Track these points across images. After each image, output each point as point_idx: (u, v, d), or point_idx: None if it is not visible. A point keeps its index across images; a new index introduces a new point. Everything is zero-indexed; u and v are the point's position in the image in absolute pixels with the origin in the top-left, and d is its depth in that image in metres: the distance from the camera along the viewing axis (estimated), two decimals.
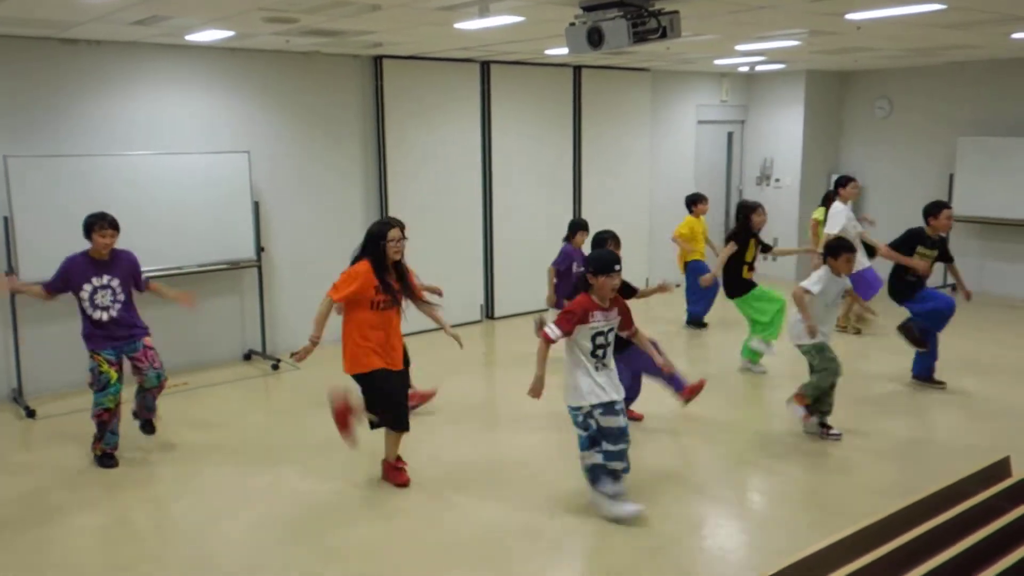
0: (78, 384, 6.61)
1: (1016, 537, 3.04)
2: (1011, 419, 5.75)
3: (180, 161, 6.86)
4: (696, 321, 8.44)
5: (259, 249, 7.37)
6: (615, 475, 4.25)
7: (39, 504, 4.60)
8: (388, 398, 4.60)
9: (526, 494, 4.60)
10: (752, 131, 11.32)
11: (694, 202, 8.32)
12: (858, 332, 8.15)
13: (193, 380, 6.88)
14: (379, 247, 4.52)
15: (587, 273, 4.17)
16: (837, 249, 5.30)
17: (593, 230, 9.54)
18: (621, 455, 4.21)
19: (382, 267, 4.54)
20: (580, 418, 4.21)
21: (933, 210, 6.36)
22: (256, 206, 7.29)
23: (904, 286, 6.34)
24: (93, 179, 6.41)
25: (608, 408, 4.15)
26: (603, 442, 4.19)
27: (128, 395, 5.18)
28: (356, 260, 4.59)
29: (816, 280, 5.26)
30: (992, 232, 9.81)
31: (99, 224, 4.98)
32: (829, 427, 5.41)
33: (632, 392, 5.68)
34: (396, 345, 4.62)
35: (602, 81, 9.58)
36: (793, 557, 2.84)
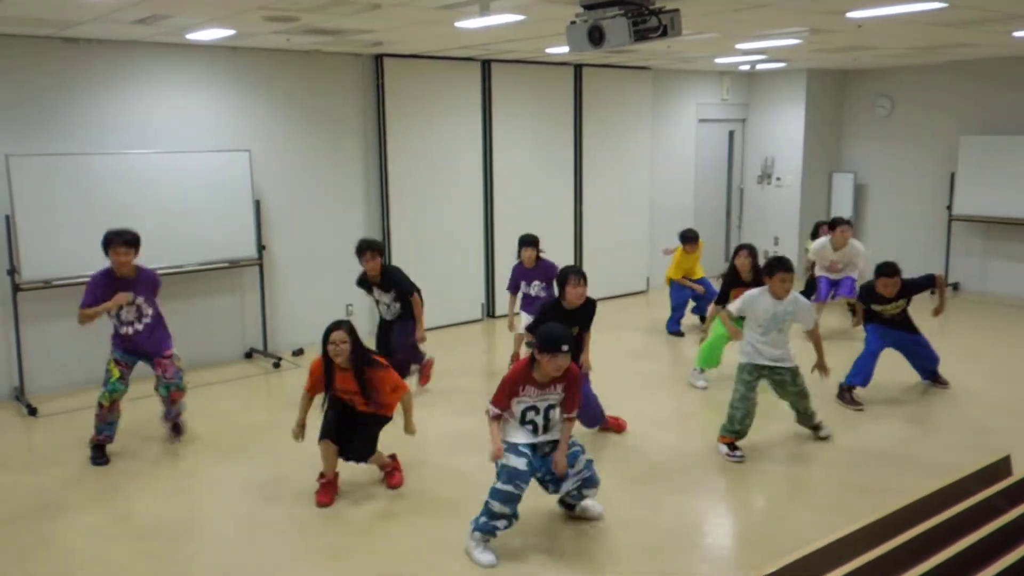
0: (80, 383, 6.63)
1: (1016, 536, 3.03)
2: (1012, 418, 5.74)
3: (181, 160, 6.87)
4: (676, 332, 8.29)
5: (260, 247, 7.37)
6: (492, 516, 3.87)
7: (40, 502, 4.60)
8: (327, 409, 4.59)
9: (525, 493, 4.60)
10: (753, 130, 11.31)
11: (686, 239, 8.04)
12: None
13: (194, 378, 6.86)
14: (324, 347, 4.39)
15: (535, 346, 3.83)
16: (772, 267, 4.96)
17: (594, 229, 9.72)
18: (505, 498, 3.86)
19: (328, 367, 4.42)
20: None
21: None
22: (257, 204, 7.29)
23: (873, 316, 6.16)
24: (94, 178, 6.42)
25: (512, 447, 3.94)
26: (497, 480, 3.90)
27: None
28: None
29: (740, 301, 5.09)
30: (994, 231, 9.80)
31: (114, 242, 4.95)
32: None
33: (595, 412, 5.39)
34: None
35: (603, 80, 9.58)
36: (792, 556, 2.84)
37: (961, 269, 10.07)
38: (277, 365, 7.27)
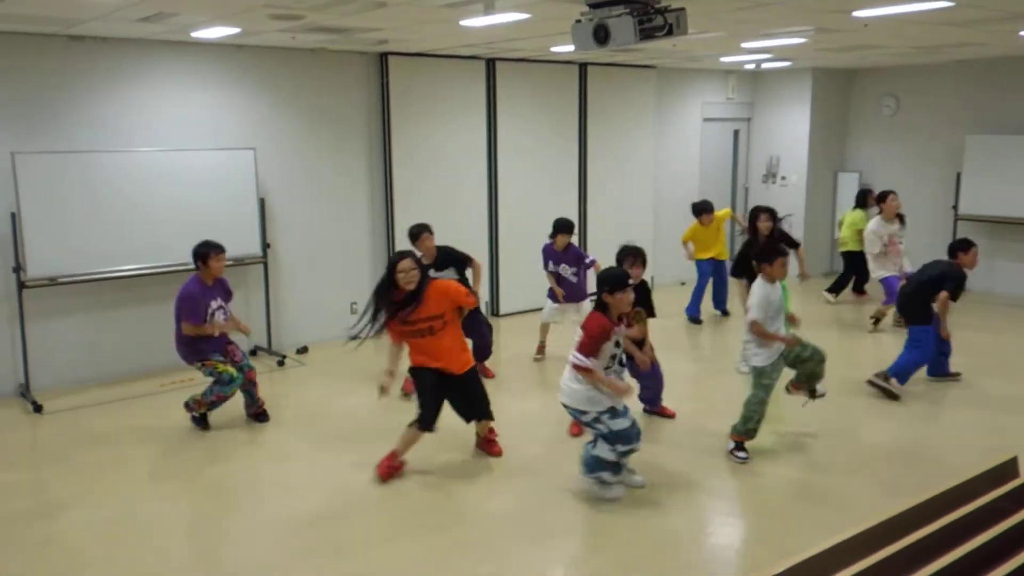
0: (85, 379, 6.64)
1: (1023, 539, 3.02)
2: (1019, 418, 5.72)
3: (186, 157, 6.87)
4: (693, 319, 8.51)
5: (265, 245, 7.37)
6: (616, 467, 4.40)
7: (45, 500, 4.61)
8: (422, 393, 4.80)
9: (531, 490, 4.60)
10: (758, 129, 11.28)
11: (699, 211, 8.30)
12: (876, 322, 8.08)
13: (199, 375, 6.87)
14: (391, 282, 4.60)
15: (603, 294, 4.19)
16: (772, 254, 4.90)
17: (598, 226, 9.71)
18: (630, 453, 4.41)
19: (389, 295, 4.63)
20: (588, 420, 4.33)
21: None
22: (262, 202, 7.30)
23: (927, 308, 6.07)
24: (100, 175, 6.42)
25: (612, 412, 4.27)
26: (617, 444, 4.30)
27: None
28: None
29: (756, 302, 4.87)
30: (1000, 231, 9.77)
31: (214, 252, 5.39)
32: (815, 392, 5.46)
33: (658, 392, 5.71)
34: (443, 353, 4.74)
35: (608, 79, 9.56)
36: (798, 556, 2.84)
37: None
38: (281, 363, 7.28)
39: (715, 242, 8.36)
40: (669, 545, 4.04)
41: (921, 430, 5.64)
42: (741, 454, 5.03)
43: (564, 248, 6.87)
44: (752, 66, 10.12)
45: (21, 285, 6.25)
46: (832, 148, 11.00)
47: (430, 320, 4.63)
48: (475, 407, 4.93)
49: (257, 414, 5.84)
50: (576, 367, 4.19)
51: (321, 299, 7.90)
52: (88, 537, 4.19)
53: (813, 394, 5.41)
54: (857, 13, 5.73)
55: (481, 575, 3.79)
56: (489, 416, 5.00)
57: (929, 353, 6.14)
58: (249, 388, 5.76)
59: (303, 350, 7.68)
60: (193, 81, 7.03)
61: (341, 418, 5.91)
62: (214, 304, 5.46)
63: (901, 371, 6.12)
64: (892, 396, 6.05)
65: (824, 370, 5.31)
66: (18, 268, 6.23)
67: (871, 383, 6.15)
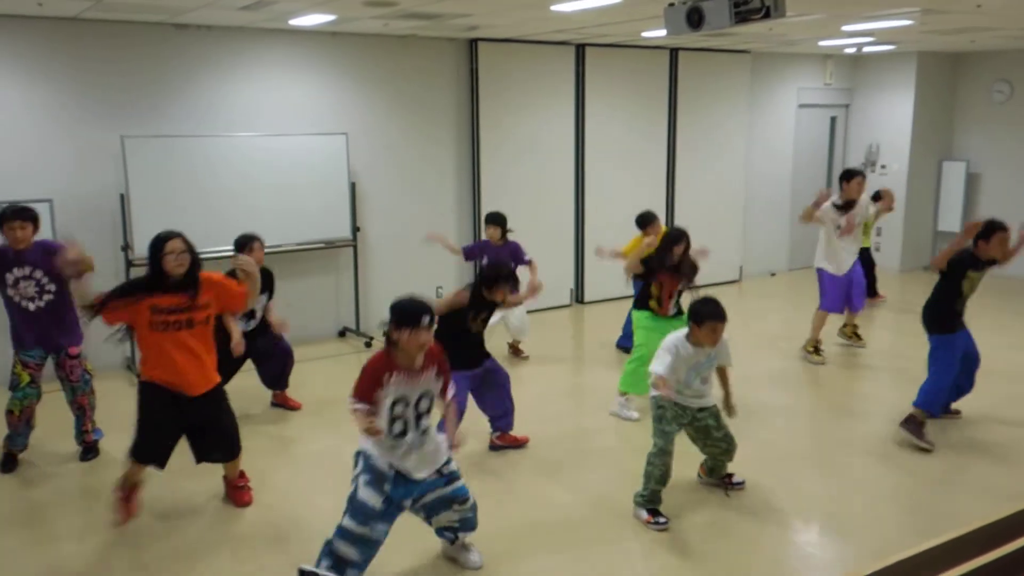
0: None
1: None
2: None
3: (282, 142, 7.09)
4: (625, 348, 7.18)
5: (355, 229, 7.55)
6: (337, 561, 3.26)
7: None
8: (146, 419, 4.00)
9: (569, 484, 4.59)
10: (857, 115, 10.85)
11: (649, 222, 6.79)
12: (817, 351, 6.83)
13: None
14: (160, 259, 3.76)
15: (390, 324, 3.29)
16: (699, 315, 4.00)
17: (686, 216, 9.53)
18: (355, 540, 3.25)
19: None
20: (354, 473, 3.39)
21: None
22: (353, 187, 7.47)
23: (948, 314, 5.04)
24: (201, 158, 6.70)
25: (373, 477, 3.30)
26: (345, 515, 3.29)
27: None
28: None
29: (665, 356, 4.05)
30: None
31: (8, 218, 4.48)
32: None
33: (506, 418, 4.96)
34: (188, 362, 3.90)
35: (699, 64, 9.36)
36: (887, 560, 2.74)
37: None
38: (369, 344, 7.45)
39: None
40: (752, 543, 3.96)
41: (1020, 430, 5.35)
42: (660, 520, 4.06)
43: (500, 243, 6.48)
44: (852, 50, 9.73)
45: (129, 263, 6.58)
46: (937, 136, 10.49)
47: (192, 310, 3.82)
48: (218, 444, 4.11)
49: (85, 446, 4.97)
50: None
51: (408, 283, 8.02)
52: (194, 513, 4.39)
53: (728, 482, 4.43)
54: None
55: None
56: (233, 456, 4.19)
57: (951, 368, 4.96)
58: (78, 414, 4.91)
59: None
60: (289, 68, 7.24)
61: None
62: (18, 271, 4.53)
63: (927, 401, 4.97)
64: (923, 448, 4.92)
65: (727, 463, 4.40)
66: (126, 247, 6.57)
67: (903, 427, 5.03)
